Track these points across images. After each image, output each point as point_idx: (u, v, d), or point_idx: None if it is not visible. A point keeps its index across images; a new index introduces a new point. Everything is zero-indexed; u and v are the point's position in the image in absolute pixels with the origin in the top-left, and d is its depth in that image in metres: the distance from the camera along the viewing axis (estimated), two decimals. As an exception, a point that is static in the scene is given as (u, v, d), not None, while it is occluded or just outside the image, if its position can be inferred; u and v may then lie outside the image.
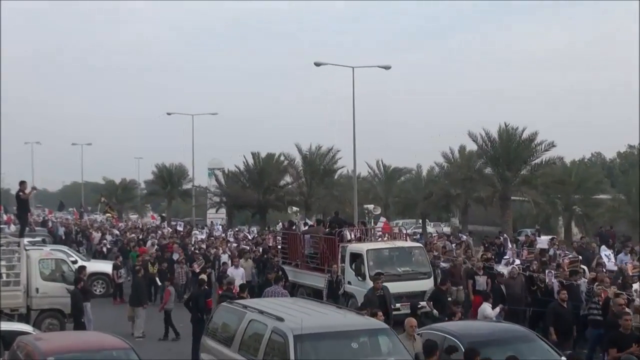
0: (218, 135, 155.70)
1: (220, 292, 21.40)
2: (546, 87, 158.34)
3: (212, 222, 56.58)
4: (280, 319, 12.88)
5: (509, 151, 49.06)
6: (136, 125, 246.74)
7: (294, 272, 27.68)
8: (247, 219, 70.60)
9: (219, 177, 68.98)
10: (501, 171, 49.37)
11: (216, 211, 71.12)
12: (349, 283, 24.35)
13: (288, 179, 63.24)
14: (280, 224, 58.47)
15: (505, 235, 35.20)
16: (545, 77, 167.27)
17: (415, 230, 55.25)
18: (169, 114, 70.38)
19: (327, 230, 27.38)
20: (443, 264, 26.60)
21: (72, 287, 22.67)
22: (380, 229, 28.61)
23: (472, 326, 15.76)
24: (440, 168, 59.56)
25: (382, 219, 29.85)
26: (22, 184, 24.38)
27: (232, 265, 26.90)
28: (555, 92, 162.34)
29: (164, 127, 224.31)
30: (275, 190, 62.19)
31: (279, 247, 30.47)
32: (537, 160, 49.57)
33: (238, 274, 25.62)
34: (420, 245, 26.98)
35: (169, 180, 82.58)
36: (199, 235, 41.63)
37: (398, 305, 21.83)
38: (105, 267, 34.03)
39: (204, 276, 23.57)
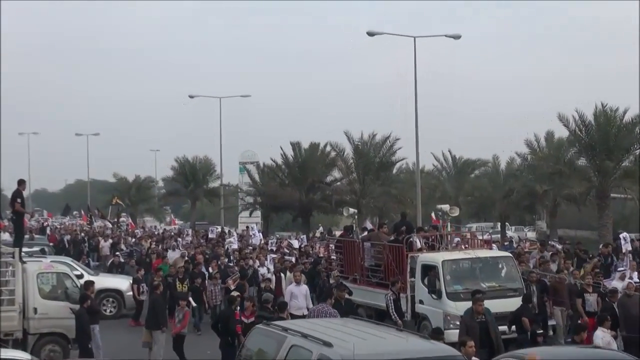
0: (251, 123, 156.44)
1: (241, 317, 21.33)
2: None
3: (247, 227, 56.12)
4: (328, 345, 12.83)
5: (607, 137, 48.38)
6: (152, 112, 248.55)
7: (351, 288, 26.46)
8: (286, 223, 70.27)
9: (252, 173, 69.28)
10: (598, 162, 48.67)
11: (250, 214, 71.30)
12: (421, 302, 24.17)
13: (336, 174, 63.24)
14: (321, 228, 58.37)
15: (625, 235, 33.97)
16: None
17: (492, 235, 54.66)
18: (191, 97, 70.98)
19: (392, 236, 27.20)
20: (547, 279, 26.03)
21: (77, 307, 22.74)
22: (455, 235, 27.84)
23: (563, 353, 15.63)
24: (523, 159, 59.25)
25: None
26: (22, 183, 24.50)
27: (293, 282, 26.14)
28: None
29: (185, 113, 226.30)
30: (321, 188, 62.30)
31: (333, 257, 30.33)
32: None
33: (301, 293, 24.85)
34: (509, 254, 26.42)
35: (192, 178, 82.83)
36: (234, 243, 41.17)
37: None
38: (117, 282, 34.16)
39: (235, 293, 23.70)
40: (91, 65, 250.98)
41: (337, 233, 64.27)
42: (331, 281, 28.18)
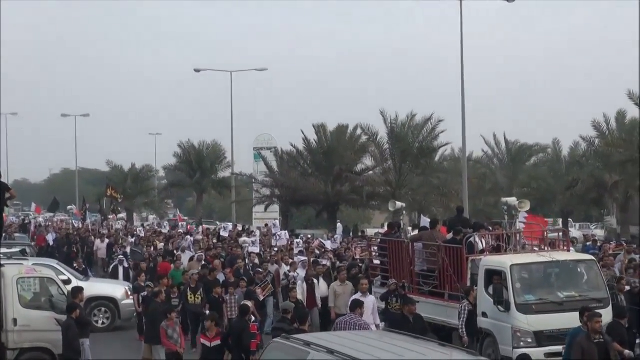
0: (268, 102, 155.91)
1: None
2: None
3: (267, 224, 55.92)
4: None
5: None
6: (152, 90, 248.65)
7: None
8: (309, 220, 70.17)
9: (269, 161, 69.44)
10: None
11: (265, 209, 71.17)
12: (484, 315, 23.58)
13: (368, 162, 63.32)
14: (339, 226, 57.89)
15: None
16: None
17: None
18: (197, 71, 71.62)
19: (448, 236, 26.51)
20: (629, 287, 25.20)
21: (64, 317, 22.64)
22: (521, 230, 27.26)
23: None
24: (589, 144, 59.34)
25: (522, 213, 28.25)
26: None
27: (359, 293, 25.64)
28: None
29: (191, 91, 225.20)
30: (350, 179, 62.17)
31: (375, 261, 29.76)
32: None
33: (367, 306, 24.38)
34: (592, 258, 25.76)
35: (198, 166, 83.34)
36: (251, 245, 40.86)
37: (559, 348, 21.08)
38: (111, 289, 34.04)
39: (247, 302, 23.61)
40: (79, 34, 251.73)
41: (370, 231, 65.17)
42: (374, 290, 27.69)
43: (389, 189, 59.13)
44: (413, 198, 59.78)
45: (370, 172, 62.83)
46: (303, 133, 64.68)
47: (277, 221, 48.98)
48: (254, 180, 71.97)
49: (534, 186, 62.87)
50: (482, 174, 66.28)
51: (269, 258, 34.68)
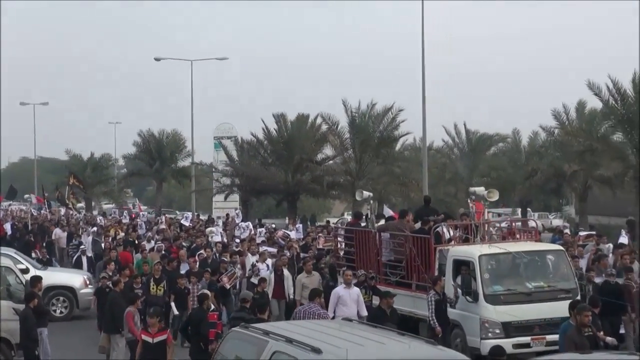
0: (228, 90, 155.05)
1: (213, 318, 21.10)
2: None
3: (228, 214, 55.34)
4: (317, 351, 12.77)
5: None
6: (112, 78, 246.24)
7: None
8: (269, 209, 69.81)
9: (229, 150, 69.17)
10: (637, 138, 48.18)
11: (225, 198, 71.02)
12: (451, 305, 23.29)
13: (328, 151, 63.06)
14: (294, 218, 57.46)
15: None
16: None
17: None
18: (157, 59, 71.19)
19: (415, 225, 26.28)
20: (598, 279, 24.93)
21: (22, 307, 22.43)
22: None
23: None
24: (549, 134, 59.47)
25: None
26: None
27: (343, 284, 24.81)
28: None
29: (151, 79, 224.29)
30: (310, 168, 62.05)
31: (341, 251, 29.33)
32: None
33: (351, 298, 23.36)
34: (561, 248, 25.49)
35: (158, 155, 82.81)
36: (216, 235, 40.25)
37: (527, 339, 21.45)
38: (69, 278, 33.83)
39: (206, 291, 23.49)
40: (38, 22, 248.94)
41: (332, 220, 64.67)
42: (340, 280, 27.03)
43: (349, 179, 58.96)
44: (373, 187, 57.58)
45: (331, 162, 62.57)
46: (263, 122, 64.46)
47: (239, 211, 48.30)
48: (214, 170, 71.97)
49: (493, 176, 62.81)
50: (442, 163, 66.38)
51: (235, 248, 34.00)
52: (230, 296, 28.16)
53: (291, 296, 27.54)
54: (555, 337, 20.71)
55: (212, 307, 21.77)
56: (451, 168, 65.90)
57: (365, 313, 22.62)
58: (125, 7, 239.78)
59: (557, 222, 63.11)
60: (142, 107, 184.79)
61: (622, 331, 23.44)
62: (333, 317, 21.24)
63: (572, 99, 57.88)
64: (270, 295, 26.70)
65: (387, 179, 59.20)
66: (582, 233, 34.52)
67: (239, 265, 30.19)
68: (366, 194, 28.81)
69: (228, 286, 27.81)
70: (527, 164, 60.85)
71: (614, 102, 49.41)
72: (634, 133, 48.34)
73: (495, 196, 26.40)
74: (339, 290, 23.39)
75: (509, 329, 21.96)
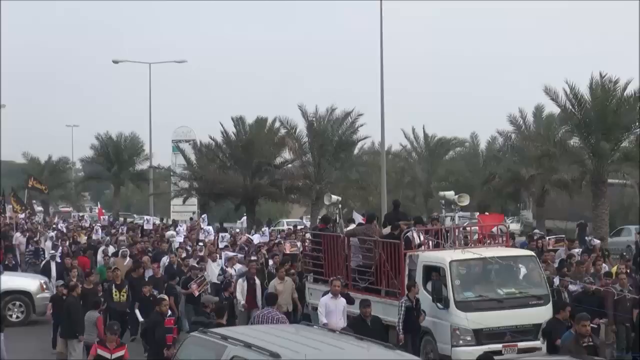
0: (186, 94, 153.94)
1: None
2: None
3: (191, 217, 54.73)
4: (276, 355, 12.80)
5: (605, 114, 47.73)
6: (70, 81, 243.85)
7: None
8: (227, 213, 69.32)
9: (187, 154, 68.01)
10: (593, 143, 47.77)
11: (184, 202, 70.34)
12: (423, 316, 22.78)
13: (287, 155, 62.03)
14: (243, 220, 56.92)
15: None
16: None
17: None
18: (116, 62, 71.21)
19: (384, 230, 26.01)
20: (573, 287, 24.58)
21: None
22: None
23: None
24: (506, 139, 59.21)
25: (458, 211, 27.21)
26: None
27: (330, 294, 23.84)
28: None
29: (109, 82, 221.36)
30: (269, 172, 61.16)
31: (307, 256, 28.92)
32: None
33: (338, 309, 22.51)
34: (532, 254, 25.03)
35: (115, 158, 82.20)
36: (178, 238, 39.57)
37: (498, 346, 21.11)
38: (25, 282, 33.38)
39: (163, 296, 23.33)
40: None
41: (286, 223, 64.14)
42: (308, 286, 27.04)
43: (307, 183, 58.35)
44: (332, 191, 57.89)
45: (289, 166, 61.93)
46: (222, 126, 63.49)
47: (205, 216, 47.59)
48: (172, 173, 71.37)
49: (451, 180, 62.67)
50: (400, 167, 66.37)
51: (199, 254, 33.29)
52: (199, 303, 27.35)
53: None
54: (527, 344, 21.13)
55: (169, 312, 21.58)
56: (410, 172, 65.87)
57: (344, 324, 21.98)
58: (83, 8, 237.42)
59: (514, 226, 62.97)
60: (100, 110, 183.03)
61: None
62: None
63: (531, 104, 58.22)
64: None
65: (345, 183, 58.76)
66: (551, 237, 33.95)
67: (207, 272, 29.38)
68: (334, 198, 28.25)
69: (197, 293, 27.09)
70: (485, 169, 60.90)
71: (571, 107, 48.94)
72: (591, 138, 48.07)
73: (465, 201, 25.86)
74: (326, 300, 22.68)
75: (481, 336, 21.51)
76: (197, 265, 30.04)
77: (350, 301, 22.80)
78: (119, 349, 18.57)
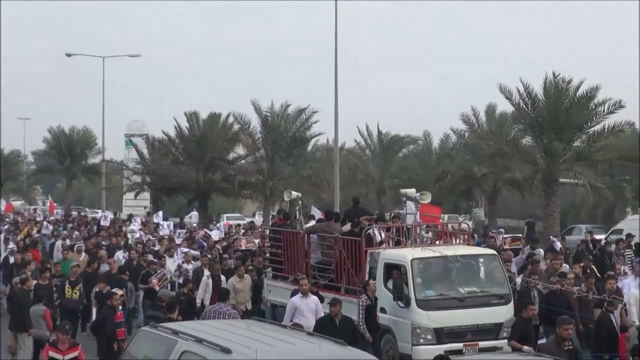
0: (140, 88, 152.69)
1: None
2: (610, 26, 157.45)
3: (148, 213, 54.08)
4: (227, 351, 12.64)
5: (557, 113, 47.37)
6: (22, 73, 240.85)
7: (290, 291, 25.36)
8: (180, 208, 68.90)
9: (140, 148, 67.94)
10: (546, 142, 47.60)
11: (136, 196, 70.11)
12: (383, 310, 22.49)
13: (240, 150, 61.95)
14: (193, 215, 56.45)
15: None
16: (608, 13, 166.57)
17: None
18: (69, 55, 70.12)
19: (344, 227, 25.31)
20: (539, 286, 24.04)
21: None
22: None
23: None
24: (459, 137, 59.27)
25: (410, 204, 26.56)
26: None
27: (299, 294, 23.19)
28: (625, 33, 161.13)
29: (61, 75, 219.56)
30: (222, 167, 60.99)
31: (267, 252, 28.50)
32: (598, 127, 47.83)
33: (309, 307, 21.84)
34: (494, 252, 24.63)
35: (68, 152, 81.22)
36: (136, 232, 38.88)
37: (459, 346, 20.80)
38: None
39: (116, 290, 22.63)
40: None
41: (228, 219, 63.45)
42: (267, 282, 26.57)
43: (260, 178, 57.97)
44: (285, 188, 57.73)
45: (243, 161, 61.53)
46: (175, 120, 63.39)
47: (160, 212, 46.97)
48: (124, 167, 71.25)
49: (404, 177, 61.89)
50: (354, 164, 65.83)
51: (152, 247, 33.01)
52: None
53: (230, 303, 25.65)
54: (488, 343, 20.77)
55: (121, 307, 21.32)
56: (363, 169, 65.55)
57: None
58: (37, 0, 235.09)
59: (465, 225, 62.99)
60: (53, 103, 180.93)
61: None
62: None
63: (485, 103, 58.11)
64: (208, 303, 25.27)
65: (298, 179, 58.25)
66: (506, 236, 33.61)
67: (168, 267, 28.77)
68: (294, 194, 27.77)
69: (157, 288, 26.44)
70: (438, 166, 60.50)
71: (524, 106, 48.67)
72: (544, 137, 47.81)
73: (427, 198, 25.40)
74: (296, 300, 22.11)
75: (441, 335, 21.10)
76: (156, 261, 29.40)
77: (320, 299, 22.33)
78: (71, 350, 17.91)
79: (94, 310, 25.82)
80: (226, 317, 19.47)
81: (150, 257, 30.17)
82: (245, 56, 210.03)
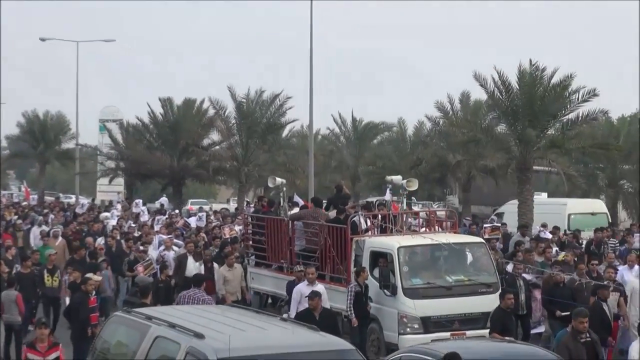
0: (114, 73, 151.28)
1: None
2: (586, 14, 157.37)
3: (127, 199, 53.23)
4: (200, 336, 12.68)
5: (532, 101, 46.52)
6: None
7: (274, 278, 25.43)
8: (153, 194, 68.38)
9: (114, 134, 67.30)
10: (520, 130, 46.72)
11: (110, 181, 69.23)
12: (369, 299, 21.95)
13: (215, 136, 61.23)
14: (164, 199, 55.99)
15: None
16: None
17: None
18: (43, 40, 69.52)
19: (329, 213, 25.00)
20: (527, 276, 23.59)
21: None
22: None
23: (474, 348, 15.60)
24: (434, 124, 58.45)
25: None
26: None
27: (304, 281, 21.99)
28: (600, 22, 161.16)
29: (36, 59, 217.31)
30: (196, 153, 60.48)
31: (250, 240, 28.01)
32: (571, 115, 46.95)
33: None
34: (482, 240, 24.48)
35: (41, 137, 79.57)
36: (111, 220, 38.33)
37: (447, 335, 20.36)
38: None
39: (91, 275, 22.57)
40: None
41: (216, 206, 62.88)
42: (250, 270, 26.09)
43: (235, 164, 57.47)
44: (259, 174, 58.01)
45: (217, 147, 60.87)
46: (149, 106, 62.42)
47: (140, 201, 46.19)
48: (98, 152, 70.38)
49: (379, 164, 61.39)
50: (329, 150, 65.38)
51: (139, 236, 32.39)
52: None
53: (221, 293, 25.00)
54: (476, 332, 20.42)
55: (94, 292, 21.15)
56: (337, 156, 64.82)
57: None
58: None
59: (441, 211, 62.44)
60: (27, 87, 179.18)
61: (539, 330, 22.81)
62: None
63: (460, 91, 57.25)
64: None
65: (273, 165, 57.74)
66: (486, 225, 33.06)
67: (150, 255, 28.00)
68: (279, 180, 27.17)
69: (143, 274, 26.05)
70: (412, 154, 59.74)
71: (499, 94, 48.03)
72: (518, 125, 47.09)
73: (414, 185, 25.12)
74: (302, 288, 21.41)
75: (428, 324, 20.86)
76: (142, 248, 29.02)
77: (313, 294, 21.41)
78: (51, 350, 16.89)
79: (67, 299, 24.93)
80: (200, 302, 19.39)
81: (138, 245, 29.62)
82: (221, 41, 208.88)
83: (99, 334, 15.94)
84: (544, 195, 50.20)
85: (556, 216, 39.39)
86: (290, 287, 22.27)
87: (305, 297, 20.00)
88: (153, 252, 28.87)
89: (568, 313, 19.08)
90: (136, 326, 14.36)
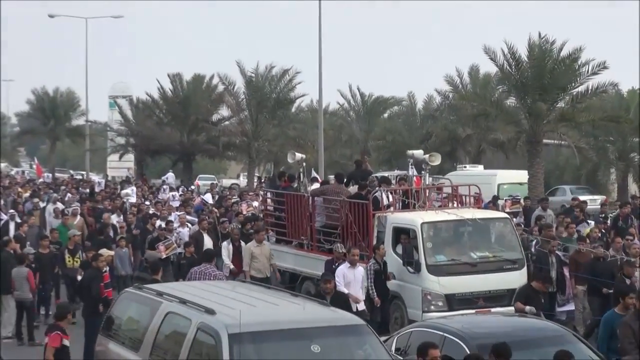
0: (124, 50, 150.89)
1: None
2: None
3: (144, 174, 52.99)
4: (211, 312, 12.64)
5: (541, 74, 45.95)
6: (4, 34, 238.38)
7: (295, 256, 24.65)
8: (164, 169, 68.37)
9: (124, 110, 66.74)
10: (530, 103, 46.17)
11: (120, 157, 69.29)
12: (392, 276, 21.26)
13: (224, 112, 60.72)
14: (171, 174, 55.68)
15: None
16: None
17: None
18: (51, 16, 68.82)
19: (349, 189, 24.14)
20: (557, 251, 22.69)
21: None
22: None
23: (484, 322, 15.59)
24: (443, 98, 58.13)
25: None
26: None
27: (346, 263, 21.32)
28: None
29: (45, 36, 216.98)
30: (206, 129, 60.26)
31: (270, 215, 27.08)
32: (581, 88, 46.12)
33: (356, 279, 20.23)
34: (506, 216, 23.71)
35: (52, 114, 79.55)
36: (132, 197, 37.97)
37: (471, 312, 19.46)
38: None
39: (104, 250, 22.58)
40: None
41: (226, 182, 62.43)
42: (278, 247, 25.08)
43: (245, 140, 56.84)
44: (269, 149, 58.40)
45: (227, 123, 60.33)
46: (159, 82, 62.14)
47: (170, 174, 45.87)
48: (108, 129, 70.29)
49: (389, 139, 60.99)
50: (338, 125, 64.79)
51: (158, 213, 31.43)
52: (168, 265, 25.28)
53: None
54: (501, 310, 19.79)
55: (107, 268, 20.90)
56: (347, 130, 64.22)
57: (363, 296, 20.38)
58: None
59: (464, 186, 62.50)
60: (37, 64, 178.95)
61: (569, 307, 22.05)
62: None
63: (469, 64, 56.97)
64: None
65: (282, 140, 57.44)
66: (506, 198, 32.36)
67: (175, 233, 27.57)
68: (299, 155, 26.29)
69: (164, 255, 25.25)
70: (422, 127, 59.37)
71: (508, 67, 47.48)
72: (528, 98, 46.57)
73: (437, 160, 24.42)
74: (344, 269, 20.56)
75: (453, 301, 20.19)
76: (165, 227, 28.16)
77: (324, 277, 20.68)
78: (57, 340, 16.07)
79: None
80: (211, 278, 19.13)
81: (160, 222, 28.92)
82: (231, 17, 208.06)
83: (110, 309, 16.01)
84: (480, 167, 50.30)
85: (488, 186, 39.58)
86: (329, 266, 21.29)
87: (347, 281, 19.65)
88: (184, 231, 28.23)
89: (611, 291, 18.19)
90: (147, 302, 14.42)
